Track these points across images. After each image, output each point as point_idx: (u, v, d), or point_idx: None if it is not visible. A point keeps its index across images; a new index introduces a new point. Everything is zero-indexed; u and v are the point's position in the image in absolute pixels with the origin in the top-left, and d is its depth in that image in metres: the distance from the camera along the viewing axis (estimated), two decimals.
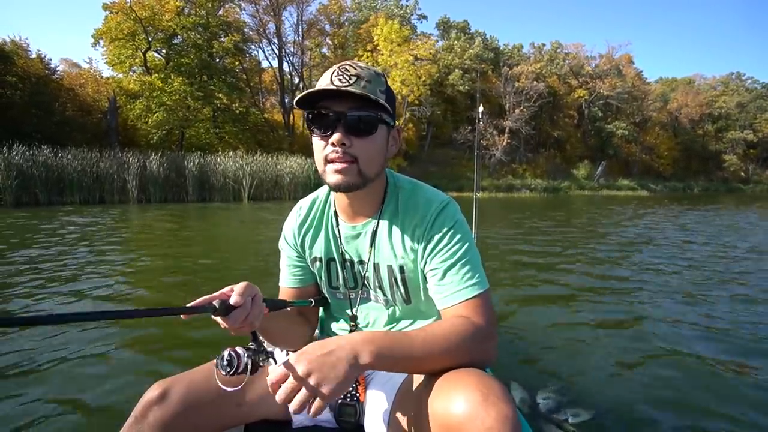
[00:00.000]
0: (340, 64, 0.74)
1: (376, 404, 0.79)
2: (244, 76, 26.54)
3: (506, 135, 30.96)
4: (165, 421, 0.73)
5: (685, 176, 40.21)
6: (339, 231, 0.88)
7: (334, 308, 0.96)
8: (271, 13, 27.18)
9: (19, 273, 3.77)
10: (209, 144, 21.39)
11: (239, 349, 0.64)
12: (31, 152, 12.09)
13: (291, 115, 29.05)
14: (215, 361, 0.65)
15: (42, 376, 1.77)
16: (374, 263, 0.85)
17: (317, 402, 0.56)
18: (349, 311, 0.92)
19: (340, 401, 0.82)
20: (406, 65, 25.21)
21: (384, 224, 0.84)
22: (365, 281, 0.88)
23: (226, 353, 0.63)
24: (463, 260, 0.77)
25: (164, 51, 21.94)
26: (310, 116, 0.74)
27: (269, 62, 30.61)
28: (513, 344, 2.32)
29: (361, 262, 0.87)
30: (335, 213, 0.89)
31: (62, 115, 19.38)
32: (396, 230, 0.83)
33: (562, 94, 35.66)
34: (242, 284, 0.66)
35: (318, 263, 0.91)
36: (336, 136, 0.71)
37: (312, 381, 0.56)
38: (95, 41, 21.27)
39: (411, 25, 33.18)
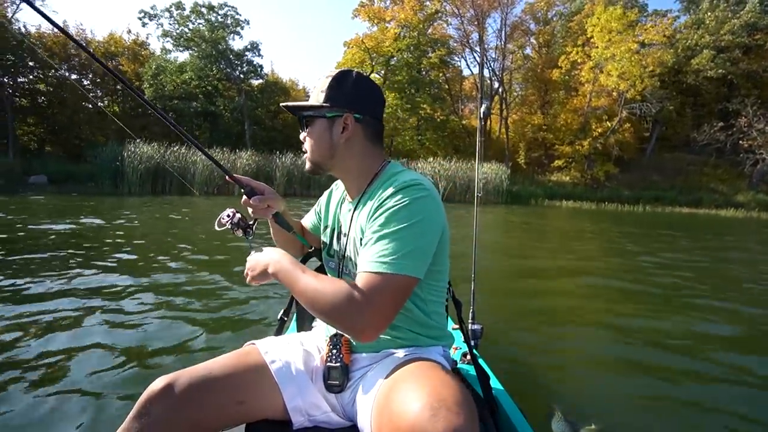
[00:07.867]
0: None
1: (365, 400, 0.80)
2: (446, 86, 28.51)
3: None
4: (167, 416, 0.74)
5: None
6: (341, 207, 1.01)
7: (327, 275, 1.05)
8: (475, 23, 28.11)
9: None
10: (412, 150, 24.19)
11: (238, 213, 0.99)
12: (295, 157, 17.29)
13: (488, 121, 29.35)
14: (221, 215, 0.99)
15: (42, 371, 1.73)
16: (352, 238, 0.92)
17: (250, 275, 0.92)
18: None
19: (328, 364, 0.87)
20: (627, 55, 21.52)
21: (362, 203, 0.91)
22: (345, 254, 0.95)
23: (231, 211, 1.00)
24: (390, 237, 0.76)
25: (382, 72, 25.99)
26: None
27: (470, 70, 31.73)
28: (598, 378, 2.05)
29: (346, 235, 0.95)
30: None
31: None
32: (366, 208, 0.88)
33: None
34: (270, 193, 0.95)
35: (326, 230, 1.05)
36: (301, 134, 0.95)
37: (249, 266, 0.92)
38: None
39: (639, 5, 28.01)
